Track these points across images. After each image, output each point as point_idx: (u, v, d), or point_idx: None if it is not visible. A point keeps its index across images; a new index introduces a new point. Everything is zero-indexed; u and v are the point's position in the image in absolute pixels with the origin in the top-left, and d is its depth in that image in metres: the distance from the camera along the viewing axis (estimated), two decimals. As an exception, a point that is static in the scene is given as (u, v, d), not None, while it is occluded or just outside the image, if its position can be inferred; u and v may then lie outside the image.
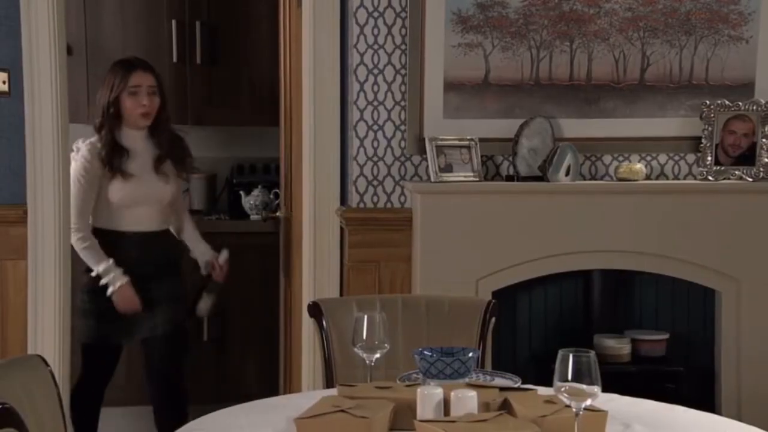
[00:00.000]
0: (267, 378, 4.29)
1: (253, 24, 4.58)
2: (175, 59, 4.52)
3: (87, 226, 3.39)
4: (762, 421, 2.20)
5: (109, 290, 3.33)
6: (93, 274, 3.35)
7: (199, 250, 3.65)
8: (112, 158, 3.36)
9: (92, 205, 3.39)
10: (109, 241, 3.39)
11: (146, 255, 3.42)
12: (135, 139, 3.43)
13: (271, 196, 4.63)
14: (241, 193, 4.70)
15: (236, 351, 4.50)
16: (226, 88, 4.61)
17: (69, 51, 3.59)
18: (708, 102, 3.44)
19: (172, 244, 3.58)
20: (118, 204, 3.38)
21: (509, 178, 3.43)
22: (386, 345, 2.12)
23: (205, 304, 3.66)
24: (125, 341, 3.49)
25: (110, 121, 3.38)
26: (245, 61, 4.60)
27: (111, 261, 3.34)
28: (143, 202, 3.42)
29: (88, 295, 3.41)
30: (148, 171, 3.43)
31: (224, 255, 3.63)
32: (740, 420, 2.08)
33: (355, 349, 2.12)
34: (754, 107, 3.44)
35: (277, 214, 4.17)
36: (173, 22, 4.52)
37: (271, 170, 4.74)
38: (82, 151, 3.40)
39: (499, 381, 2.15)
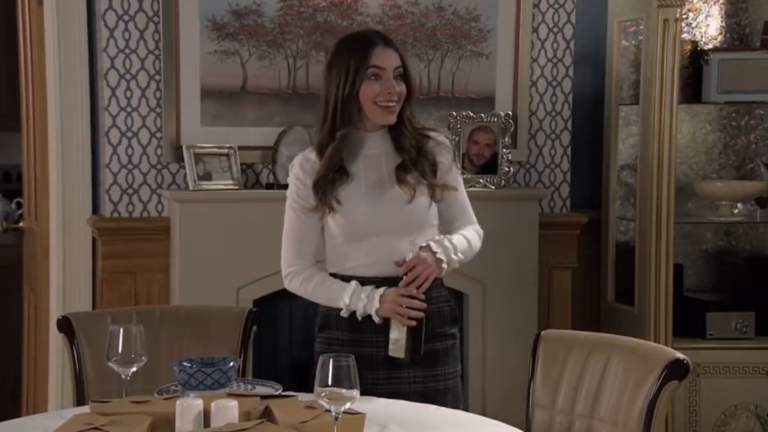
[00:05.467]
0: (10, 399, 4.04)
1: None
2: None
3: None
4: (503, 414, 2.36)
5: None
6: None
7: None
8: None
9: None
10: None
11: None
12: None
13: (13, 206, 4.35)
14: (-24, 202, 4.39)
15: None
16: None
17: None
18: (454, 113, 3.63)
19: None
20: None
21: (269, 186, 3.43)
22: (144, 358, 2.06)
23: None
24: None
25: None
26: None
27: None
28: None
29: None
30: None
31: None
32: (485, 415, 2.21)
33: (110, 364, 2.04)
34: (495, 119, 3.68)
35: (20, 224, 3.95)
36: None
37: (13, 178, 4.46)
38: None
39: (261, 389, 2.15)
